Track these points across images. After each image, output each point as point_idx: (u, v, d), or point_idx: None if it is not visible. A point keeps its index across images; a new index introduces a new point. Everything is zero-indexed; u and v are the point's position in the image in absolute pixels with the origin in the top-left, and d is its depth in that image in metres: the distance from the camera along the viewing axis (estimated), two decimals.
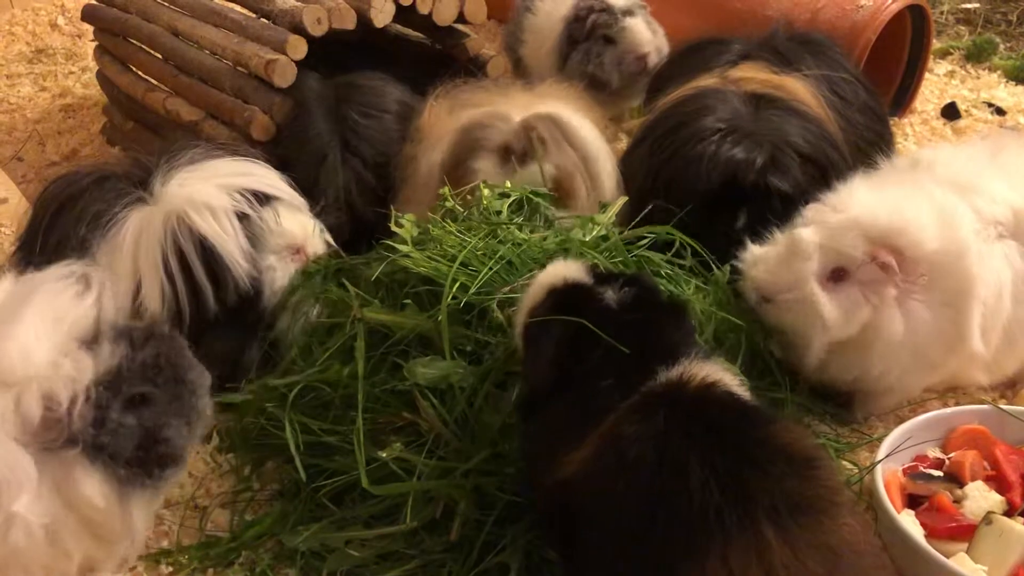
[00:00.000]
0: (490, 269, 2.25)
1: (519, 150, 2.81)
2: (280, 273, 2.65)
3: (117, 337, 2.03)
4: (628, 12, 3.85)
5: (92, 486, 1.95)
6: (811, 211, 2.45)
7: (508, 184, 2.66)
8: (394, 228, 2.51)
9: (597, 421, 1.76)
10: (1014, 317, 2.48)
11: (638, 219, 2.66)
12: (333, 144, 3.25)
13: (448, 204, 2.62)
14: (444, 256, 2.34)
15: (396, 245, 2.41)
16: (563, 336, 1.89)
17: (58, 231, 2.67)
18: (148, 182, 2.64)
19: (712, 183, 2.76)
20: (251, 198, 2.61)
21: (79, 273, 2.07)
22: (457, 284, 2.21)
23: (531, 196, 2.63)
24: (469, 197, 2.65)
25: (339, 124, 3.28)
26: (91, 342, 2.00)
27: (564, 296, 1.96)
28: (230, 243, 2.53)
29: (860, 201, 2.40)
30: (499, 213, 2.54)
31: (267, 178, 2.70)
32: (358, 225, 3.18)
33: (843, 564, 1.56)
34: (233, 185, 2.61)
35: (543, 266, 2.15)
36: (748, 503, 1.57)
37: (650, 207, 2.76)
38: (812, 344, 2.38)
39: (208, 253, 2.52)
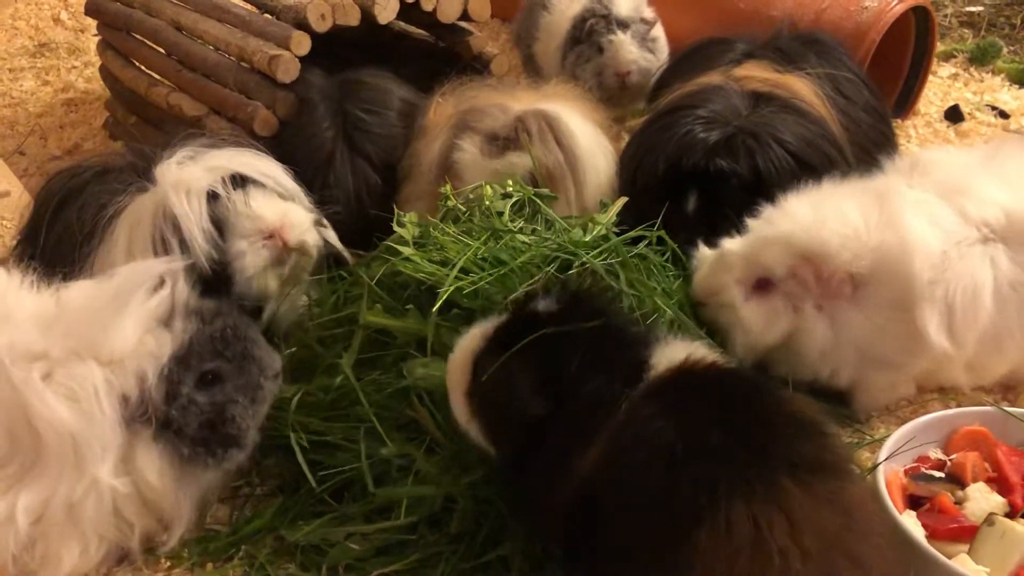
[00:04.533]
0: (489, 275, 2.25)
1: (503, 138, 2.84)
2: (251, 259, 2.53)
3: (188, 314, 2.12)
4: (622, 25, 3.79)
5: (150, 463, 2.03)
6: (750, 223, 2.54)
7: (511, 183, 2.66)
8: (396, 228, 2.51)
9: (605, 417, 1.76)
10: (999, 320, 2.48)
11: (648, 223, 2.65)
12: (338, 142, 3.26)
13: (449, 203, 2.62)
14: (444, 259, 2.34)
15: (397, 247, 2.41)
16: (532, 359, 1.84)
17: (60, 224, 2.67)
18: (150, 172, 2.60)
19: (661, 165, 2.79)
20: (227, 180, 2.52)
21: (157, 268, 2.16)
22: (453, 287, 2.20)
23: (533, 197, 2.63)
24: (471, 196, 2.65)
25: (343, 121, 3.29)
26: (168, 321, 2.09)
27: (503, 337, 1.90)
28: (192, 222, 2.45)
29: (789, 216, 2.48)
30: (501, 214, 2.53)
31: (261, 166, 2.63)
32: (364, 224, 3.14)
33: (855, 522, 1.61)
34: (221, 168, 2.55)
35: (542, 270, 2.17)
36: (769, 459, 1.62)
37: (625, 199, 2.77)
38: (738, 346, 2.48)
39: (179, 233, 2.45)
